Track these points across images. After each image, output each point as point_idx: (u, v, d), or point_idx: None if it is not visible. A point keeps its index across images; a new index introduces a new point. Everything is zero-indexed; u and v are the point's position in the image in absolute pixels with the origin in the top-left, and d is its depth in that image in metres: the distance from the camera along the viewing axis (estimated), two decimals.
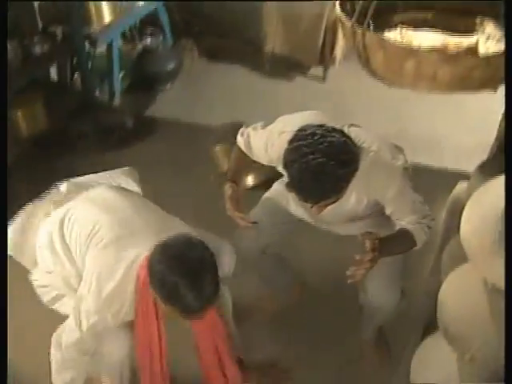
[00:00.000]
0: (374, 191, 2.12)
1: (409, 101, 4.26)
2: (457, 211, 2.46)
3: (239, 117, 3.87)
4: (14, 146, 3.64)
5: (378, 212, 2.24)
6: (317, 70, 4.75)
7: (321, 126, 1.97)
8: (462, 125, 4.09)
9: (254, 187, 3.56)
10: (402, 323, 2.53)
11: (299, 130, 1.97)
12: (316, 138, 1.90)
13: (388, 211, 2.15)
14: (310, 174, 1.87)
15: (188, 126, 4.16)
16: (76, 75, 4.32)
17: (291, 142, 1.95)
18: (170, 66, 4.53)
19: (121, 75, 4.39)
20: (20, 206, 3.34)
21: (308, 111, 2.25)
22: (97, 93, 4.31)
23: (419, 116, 4.22)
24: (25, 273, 2.35)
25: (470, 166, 2.93)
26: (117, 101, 4.35)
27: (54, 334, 2.10)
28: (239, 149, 2.42)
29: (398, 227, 2.13)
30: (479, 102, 3.88)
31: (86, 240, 2.08)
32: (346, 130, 2.06)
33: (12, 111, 3.66)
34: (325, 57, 4.67)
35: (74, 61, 4.23)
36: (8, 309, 1.85)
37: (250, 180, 3.57)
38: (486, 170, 2.34)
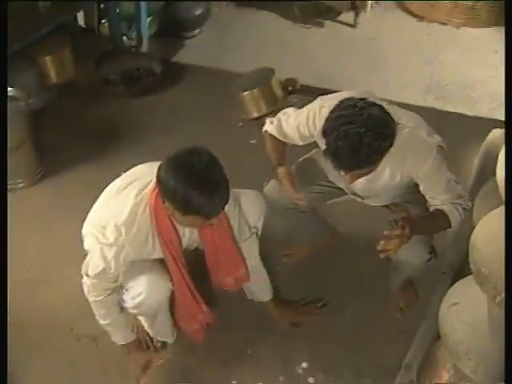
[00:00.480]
0: (408, 167, 2.17)
1: (442, 47, 4.17)
2: (491, 156, 2.43)
3: (268, 63, 3.83)
4: (42, 93, 3.66)
5: (410, 190, 2.29)
6: (347, 16, 4.64)
7: (362, 99, 2.02)
8: (497, 72, 3.98)
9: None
10: (431, 268, 2.51)
11: (341, 102, 2.04)
12: (356, 109, 1.97)
13: (421, 188, 2.19)
14: (347, 142, 1.93)
15: (216, 72, 4.12)
16: (104, 21, 4.28)
17: (332, 112, 2.02)
18: (198, 11, 4.46)
19: (148, 20, 4.32)
20: (53, 154, 3.43)
21: (345, 91, 2.29)
22: (124, 38, 4.27)
23: (453, 62, 4.11)
24: None
25: (504, 113, 2.87)
26: (144, 46, 4.30)
27: (82, 267, 2.18)
28: (272, 136, 2.42)
29: (431, 206, 2.18)
30: None
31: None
32: (385, 105, 2.10)
33: (40, 57, 3.66)
34: (356, 2, 4.55)
35: (102, 6, 4.19)
36: None
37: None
38: None
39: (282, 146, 2.44)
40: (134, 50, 4.29)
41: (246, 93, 3.62)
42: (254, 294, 2.50)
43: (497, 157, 1.92)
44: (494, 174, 1.91)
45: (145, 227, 2.06)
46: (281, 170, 2.38)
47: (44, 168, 3.35)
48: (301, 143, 2.39)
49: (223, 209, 1.99)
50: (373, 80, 3.98)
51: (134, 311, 2.29)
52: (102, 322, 2.27)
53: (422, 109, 3.70)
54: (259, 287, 2.49)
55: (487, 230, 1.73)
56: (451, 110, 3.71)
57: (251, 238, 2.36)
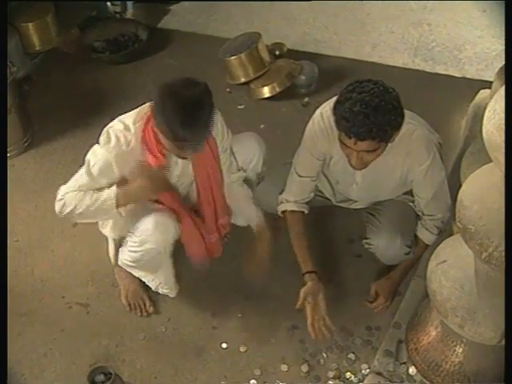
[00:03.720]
0: (409, 161, 2.23)
1: (430, 8, 4.14)
2: (479, 116, 2.43)
3: (254, 28, 3.80)
4: (26, 60, 3.61)
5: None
6: None
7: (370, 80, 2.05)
8: (485, 32, 3.95)
9: (270, 98, 3.53)
10: None
11: (350, 83, 2.04)
12: (371, 83, 2.00)
13: (414, 184, 2.31)
14: (364, 107, 1.94)
15: (202, 37, 4.07)
16: None
17: (347, 86, 2.03)
18: None
19: None
20: (40, 122, 3.40)
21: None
22: (108, 4, 4.20)
23: (441, 23, 4.07)
24: None
25: (492, 74, 2.87)
26: (129, 13, 4.24)
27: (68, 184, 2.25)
28: (292, 217, 2.47)
29: (416, 207, 2.41)
30: (501, 9, 3.74)
31: None
32: None
33: (22, 24, 3.59)
34: None
35: None
36: None
37: (266, 91, 3.52)
38: None
39: (304, 238, 2.45)
40: (119, 17, 4.22)
41: (232, 58, 3.58)
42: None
43: (483, 117, 1.92)
44: (481, 133, 1.91)
45: (136, 145, 2.16)
46: (308, 280, 2.37)
47: (31, 137, 3.32)
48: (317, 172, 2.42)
49: (203, 140, 2.09)
50: (360, 43, 3.95)
51: (138, 255, 2.31)
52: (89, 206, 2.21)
53: (410, 71, 3.72)
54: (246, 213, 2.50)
55: (474, 188, 1.74)
56: (439, 71, 3.70)
57: (239, 173, 2.47)
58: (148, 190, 2.21)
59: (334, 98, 2.11)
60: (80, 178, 2.21)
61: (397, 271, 2.52)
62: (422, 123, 2.27)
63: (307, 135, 2.34)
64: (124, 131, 2.17)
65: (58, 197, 2.22)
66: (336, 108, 2.03)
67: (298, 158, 2.42)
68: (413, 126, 2.19)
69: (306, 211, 2.47)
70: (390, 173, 2.30)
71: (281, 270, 2.65)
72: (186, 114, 1.95)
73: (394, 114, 1.99)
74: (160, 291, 2.55)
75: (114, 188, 2.19)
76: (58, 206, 2.22)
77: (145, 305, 2.54)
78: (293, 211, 2.46)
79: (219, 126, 2.30)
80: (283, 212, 2.49)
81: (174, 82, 2.01)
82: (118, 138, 2.16)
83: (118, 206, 2.18)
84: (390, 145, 2.10)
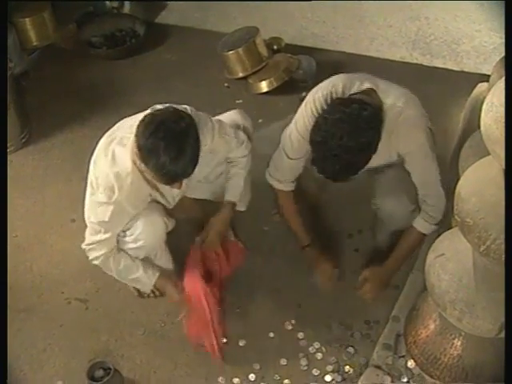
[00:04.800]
0: (397, 144, 2.22)
1: (428, 2, 4.12)
2: (476, 111, 2.43)
3: (252, 22, 3.78)
4: (23, 56, 3.60)
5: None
6: None
7: (342, 102, 2.06)
8: (483, 25, 3.95)
9: (268, 92, 3.53)
10: None
11: (319, 117, 2.09)
12: (335, 122, 1.99)
13: (405, 163, 2.29)
14: (328, 162, 2.01)
15: (200, 32, 4.06)
16: None
17: (313, 128, 2.08)
18: None
19: None
20: (38, 118, 3.39)
21: (336, 76, 2.30)
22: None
23: (438, 17, 4.06)
24: None
25: (490, 67, 2.86)
26: (126, 8, 4.22)
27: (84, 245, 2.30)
28: (283, 194, 2.51)
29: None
30: (499, 2, 3.74)
31: None
32: (370, 85, 2.15)
33: (19, 19, 3.59)
34: None
35: None
36: None
37: (264, 85, 3.52)
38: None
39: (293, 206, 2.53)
40: (116, 12, 4.20)
41: (230, 52, 3.58)
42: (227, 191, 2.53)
43: (481, 110, 1.91)
44: (479, 126, 1.91)
45: (137, 180, 2.13)
46: (309, 253, 2.54)
47: (28, 133, 3.32)
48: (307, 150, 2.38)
49: (185, 177, 2.05)
50: (358, 37, 3.94)
51: (135, 252, 2.33)
52: (122, 277, 2.38)
53: (408, 65, 3.72)
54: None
55: (472, 181, 1.74)
56: (437, 65, 3.69)
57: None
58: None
59: (326, 82, 2.21)
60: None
61: (391, 259, 2.48)
62: (410, 104, 2.21)
63: (299, 119, 2.31)
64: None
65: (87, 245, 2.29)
66: (310, 134, 2.09)
67: (287, 141, 2.37)
68: (398, 112, 2.15)
69: (293, 188, 2.51)
70: (381, 158, 2.26)
71: (280, 265, 2.66)
72: (170, 146, 1.92)
73: (364, 150, 2.01)
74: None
75: (154, 275, 2.36)
76: (93, 258, 2.31)
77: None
78: (284, 190, 2.50)
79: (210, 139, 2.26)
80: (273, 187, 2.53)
81: (158, 113, 2.00)
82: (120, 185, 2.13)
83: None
84: None
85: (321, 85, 2.28)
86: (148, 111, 2.06)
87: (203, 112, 2.27)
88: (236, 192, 2.51)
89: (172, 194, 2.38)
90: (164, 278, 2.40)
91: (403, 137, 2.20)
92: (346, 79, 2.23)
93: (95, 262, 2.31)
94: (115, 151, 2.12)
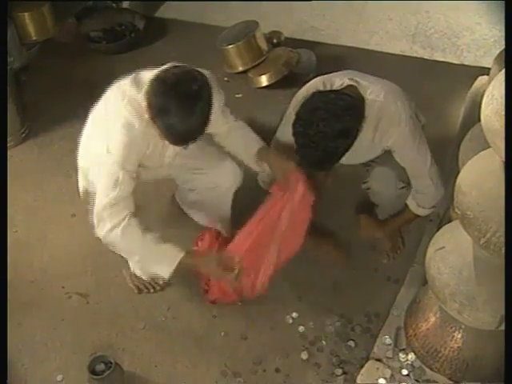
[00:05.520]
0: (381, 139, 2.26)
1: None
2: (476, 104, 2.43)
3: (252, 16, 3.78)
4: (22, 50, 3.59)
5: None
6: None
7: (319, 93, 2.13)
8: (483, 18, 3.94)
9: (268, 86, 3.53)
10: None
11: (302, 105, 2.12)
12: (312, 111, 2.06)
13: (393, 154, 2.32)
14: (308, 150, 2.07)
15: (199, 26, 4.06)
16: None
17: (293, 120, 2.12)
18: None
19: None
20: (37, 112, 3.39)
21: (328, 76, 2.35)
22: None
23: (438, 10, 4.06)
24: None
25: (490, 61, 2.86)
26: (125, 2, 4.21)
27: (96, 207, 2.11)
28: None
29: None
30: None
31: None
32: (350, 82, 2.19)
33: (18, 14, 3.57)
34: None
35: None
36: None
37: (264, 79, 3.51)
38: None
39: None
40: (116, 6, 4.20)
41: (230, 46, 3.57)
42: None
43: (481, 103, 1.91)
44: (479, 119, 1.91)
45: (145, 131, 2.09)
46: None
47: (28, 127, 3.32)
48: None
49: (194, 139, 2.02)
50: (358, 30, 3.94)
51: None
52: (135, 257, 2.29)
53: (408, 58, 3.71)
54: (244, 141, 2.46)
55: (472, 174, 1.74)
56: (437, 58, 3.69)
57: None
58: (212, 274, 2.36)
59: (307, 85, 2.31)
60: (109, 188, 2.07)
61: (389, 222, 2.62)
62: (392, 96, 2.23)
63: (285, 122, 2.35)
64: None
65: (96, 212, 2.09)
66: (292, 126, 2.13)
67: (281, 135, 2.42)
68: (379, 105, 2.19)
69: None
70: (364, 147, 2.30)
71: None
72: (183, 106, 1.92)
73: (341, 136, 2.05)
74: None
75: (180, 251, 2.15)
76: (104, 234, 2.10)
77: (153, 280, 2.55)
78: None
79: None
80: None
81: (171, 72, 1.97)
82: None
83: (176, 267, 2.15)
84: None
85: (302, 88, 2.36)
86: (164, 67, 2.03)
87: None
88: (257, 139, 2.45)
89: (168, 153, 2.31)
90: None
91: (386, 132, 2.24)
92: (326, 79, 2.30)
93: (111, 238, 2.10)
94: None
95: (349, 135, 2.08)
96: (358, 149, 2.23)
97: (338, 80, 2.24)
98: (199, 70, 2.05)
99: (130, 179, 2.08)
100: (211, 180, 2.49)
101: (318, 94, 2.13)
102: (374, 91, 2.20)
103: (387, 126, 2.22)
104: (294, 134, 2.11)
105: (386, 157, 2.40)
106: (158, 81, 1.97)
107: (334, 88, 2.22)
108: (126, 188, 2.08)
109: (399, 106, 2.23)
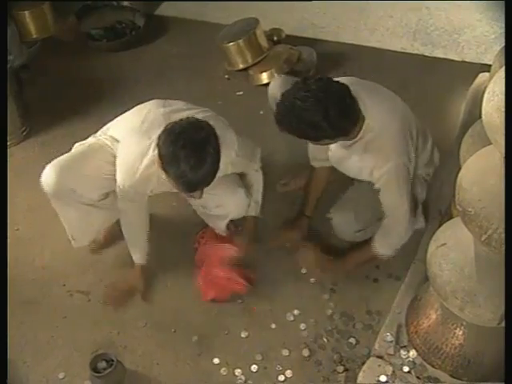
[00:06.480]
0: (367, 166, 2.28)
1: None
2: (478, 100, 2.42)
3: (252, 13, 3.77)
4: (23, 49, 3.59)
5: None
6: None
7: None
8: (484, 15, 3.93)
9: (269, 84, 3.48)
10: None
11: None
12: (294, 88, 2.10)
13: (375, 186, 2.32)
14: (286, 117, 2.10)
15: (200, 24, 4.06)
16: None
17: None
18: None
19: None
20: (38, 110, 3.39)
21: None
22: None
23: (440, 7, 4.04)
24: None
25: (491, 57, 2.85)
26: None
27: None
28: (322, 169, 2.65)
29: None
30: None
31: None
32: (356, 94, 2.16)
33: (19, 12, 3.57)
34: None
35: None
36: None
37: (264, 77, 3.51)
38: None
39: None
40: (116, 4, 4.19)
41: (231, 44, 3.57)
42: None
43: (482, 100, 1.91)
44: (480, 116, 1.90)
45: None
46: (303, 222, 2.68)
47: (29, 125, 3.32)
48: None
49: (203, 187, 2.06)
50: (359, 27, 3.93)
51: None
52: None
53: (409, 55, 3.70)
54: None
55: (473, 171, 1.73)
56: (438, 55, 3.68)
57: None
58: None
59: None
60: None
61: (340, 262, 2.56)
62: (388, 136, 2.23)
63: None
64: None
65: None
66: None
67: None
68: (372, 136, 2.20)
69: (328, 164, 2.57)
70: (353, 161, 2.33)
71: (280, 255, 2.66)
72: (191, 155, 1.95)
73: (317, 107, 2.03)
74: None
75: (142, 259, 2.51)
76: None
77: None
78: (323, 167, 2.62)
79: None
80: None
81: (179, 123, 2.03)
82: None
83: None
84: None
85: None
86: (171, 122, 2.07)
87: (207, 107, 2.29)
88: (257, 208, 2.59)
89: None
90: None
91: (373, 163, 2.24)
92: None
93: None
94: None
95: (328, 115, 2.04)
96: (347, 159, 2.30)
97: None
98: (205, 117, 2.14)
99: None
100: (222, 203, 2.51)
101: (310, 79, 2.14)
102: (375, 118, 2.19)
103: (376, 160, 2.23)
104: (276, 105, 2.14)
105: (357, 195, 2.48)
106: (165, 132, 2.01)
107: None
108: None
109: (393, 148, 2.22)
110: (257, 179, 2.57)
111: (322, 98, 2.03)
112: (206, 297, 2.52)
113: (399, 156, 2.23)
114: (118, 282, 2.57)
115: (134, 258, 2.52)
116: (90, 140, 2.48)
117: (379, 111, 2.23)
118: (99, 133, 2.48)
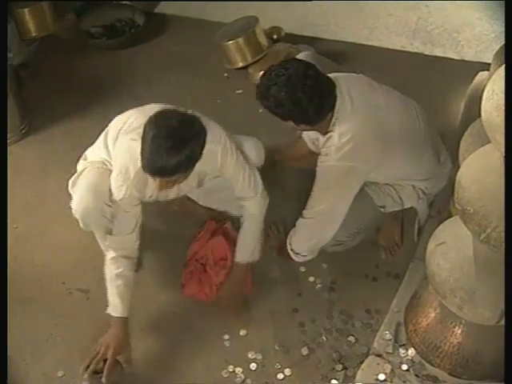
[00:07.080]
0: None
1: None
2: (477, 99, 2.42)
3: (252, 12, 3.77)
4: (22, 47, 3.59)
5: None
6: None
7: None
8: (484, 13, 3.93)
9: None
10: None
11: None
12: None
13: None
14: (269, 91, 2.11)
15: (199, 22, 4.05)
16: None
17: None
18: None
19: None
20: (37, 108, 3.39)
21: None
22: None
23: (439, 5, 4.04)
24: None
25: (491, 56, 2.85)
26: None
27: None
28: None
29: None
30: None
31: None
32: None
33: (18, 10, 3.57)
34: None
35: None
36: None
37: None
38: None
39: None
40: (115, 2, 4.19)
41: (230, 42, 3.56)
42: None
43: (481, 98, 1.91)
44: (479, 114, 1.90)
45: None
46: None
47: (28, 123, 3.32)
48: None
49: (167, 175, 1.99)
50: (358, 26, 3.92)
51: None
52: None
53: (408, 54, 3.71)
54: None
55: (472, 169, 1.73)
56: (438, 54, 3.68)
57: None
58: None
59: None
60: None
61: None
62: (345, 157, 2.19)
63: None
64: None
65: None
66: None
67: None
68: (335, 148, 2.18)
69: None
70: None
71: None
72: (163, 142, 1.90)
73: (294, 81, 2.07)
74: None
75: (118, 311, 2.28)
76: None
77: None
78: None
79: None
80: None
81: (165, 112, 2.00)
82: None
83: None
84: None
85: None
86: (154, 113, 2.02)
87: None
88: (247, 253, 2.43)
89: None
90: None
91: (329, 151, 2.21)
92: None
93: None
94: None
95: (293, 94, 2.06)
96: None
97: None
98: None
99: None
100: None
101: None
102: (351, 124, 2.17)
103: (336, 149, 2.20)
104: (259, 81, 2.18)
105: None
106: (154, 116, 1.98)
107: None
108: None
109: (358, 149, 2.19)
110: (250, 227, 2.44)
111: (294, 78, 2.07)
112: (187, 291, 2.53)
113: (360, 161, 2.20)
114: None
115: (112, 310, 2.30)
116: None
117: (367, 115, 2.20)
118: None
